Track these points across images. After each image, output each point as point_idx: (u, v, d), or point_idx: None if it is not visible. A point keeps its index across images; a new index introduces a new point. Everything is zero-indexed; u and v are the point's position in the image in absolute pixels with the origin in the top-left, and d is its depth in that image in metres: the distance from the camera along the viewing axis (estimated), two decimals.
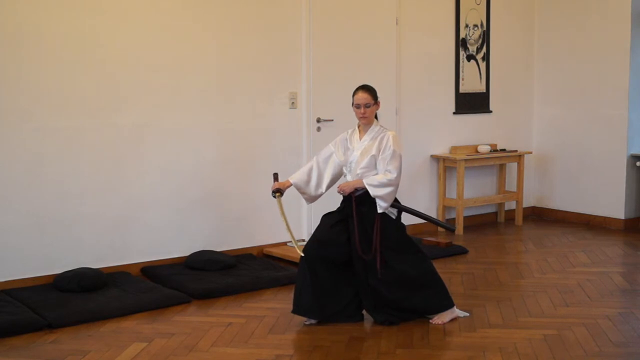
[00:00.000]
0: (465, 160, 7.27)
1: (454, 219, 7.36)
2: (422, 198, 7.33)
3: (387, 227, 4.51)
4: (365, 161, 4.50)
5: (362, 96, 4.52)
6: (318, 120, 6.50)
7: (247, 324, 4.54)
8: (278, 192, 4.62)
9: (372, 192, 4.41)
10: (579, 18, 7.76)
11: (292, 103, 6.42)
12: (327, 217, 4.64)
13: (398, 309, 4.50)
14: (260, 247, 6.33)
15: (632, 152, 7.45)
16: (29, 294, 4.97)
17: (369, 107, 4.51)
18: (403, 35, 7.06)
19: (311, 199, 4.72)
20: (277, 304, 4.96)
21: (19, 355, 4.04)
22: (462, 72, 7.56)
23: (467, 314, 4.68)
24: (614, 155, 7.52)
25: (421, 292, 4.53)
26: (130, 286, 5.19)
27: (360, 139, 4.59)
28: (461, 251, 6.46)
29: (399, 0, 6.99)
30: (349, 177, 4.59)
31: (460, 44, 7.52)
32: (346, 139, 4.66)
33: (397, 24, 7.00)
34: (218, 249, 6.03)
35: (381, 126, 4.60)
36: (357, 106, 4.54)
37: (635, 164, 7.46)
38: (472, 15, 7.59)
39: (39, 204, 5.28)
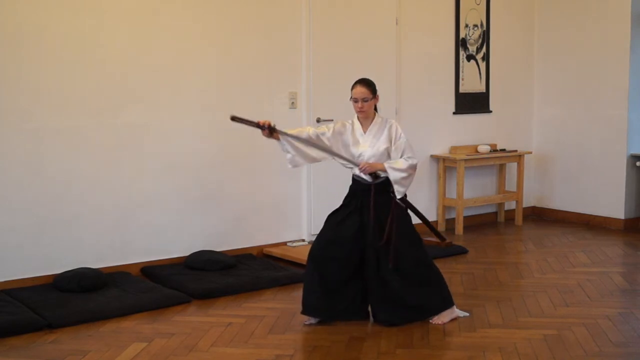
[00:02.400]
0: (465, 160, 7.28)
1: (453, 219, 7.36)
2: (422, 198, 7.32)
3: (402, 218, 4.51)
4: (378, 153, 4.47)
5: (360, 90, 4.50)
6: (318, 120, 6.50)
7: (247, 324, 4.54)
8: (269, 127, 4.30)
9: (393, 175, 4.40)
10: (579, 18, 7.76)
11: (292, 103, 6.42)
12: (332, 216, 4.62)
13: (402, 305, 4.49)
14: (260, 247, 6.33)
15: (632, 152, 7.45)
16: (28, 294, 4.97)
17: (366, 101, 4.49)
18: (403, 35, 7.06)
19: (295, 163, 4.48)
20: (277, 304, 4.96)
21: (19, 355, 4.04)
22: (462, 72, 7.56)
23: (467, 314, 4.68)
24: (614, 155, 7.52)
25: (426, 289, 4.53)
26: (130, 286, 5.19)
27: (365, 132, 4.55)
28: (461, 251, 6.46)
29: (399, 0, 6.99)
30: (355, 170, 4.56)
31: (460, 44, 7.52)
32: (345, 132, 4.55)
33: (397, 24, 7.00)
34: (218, 249, 6.03)
35: (382, 117, 4.60)
36: (355, 100, 4.51)
37: (635, 164, 7.46)
38: (472, 15, 7.59)
39: (39, 204, 5.28)
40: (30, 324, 4.41)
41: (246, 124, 4.37)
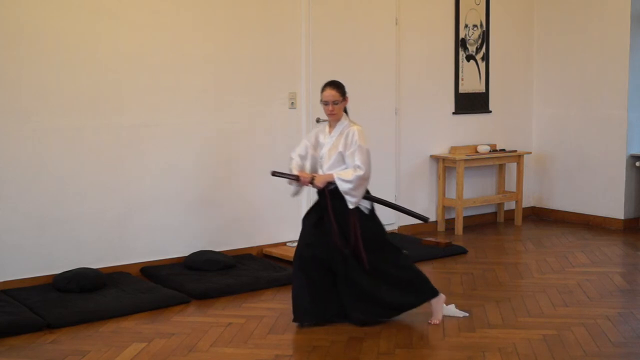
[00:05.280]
0: (465, 160, 7.28)
1: (453, 219, 7.36)
2: (421, 198, 7.34)
3: (362, 221, 4.49)
4: (332, 157, 4.50)
5: (330, 93, 4.51)
6: (317, 121, 6.50)
7: (246, 324, 4.54)
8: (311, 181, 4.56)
9: (341, 187, 4.41)
10: (579, 18, 7.76)
11: (292, 103, 6.42)
12: (307, 218, 4.65)
13: (377, 303, 4.47)
14: (260, 248, 6.33)
15: (631, 152, 7.46)
16: (28, 294, 4.97)
17: (337, 104, 4.51)
18: (402, 35, 7.06)
19: (297, 193, 4.74)
20: (277, 304, 4.96)
21: (19, 356, 4.04)
22: (462, 72, 7.56)
23: (467, 314, 4.68)
24: (614, 155, 7.52)
25: (400, 287, 4.51)
26: (130, 286, 5.19)
27: (330, 134, 4.59)
28: (461, 251, 6.46)
29: (398, 1, 6.99)
30: (320, 172, 4.60)
31: (460, 44, 7.52)
32: (318, 134, 4.66)
33: (396, 24, 7.00)
34: (217, 249, 6.03)
35: (350, 121, 4.58)
36: (325, 103, 4.53)
37: (634, 164, 7.46)
38: (472, 15, 7.60)
39: (39, 204, 5.28)
40: (29, 324, 4.42)
41: (287, 177, 4.63)
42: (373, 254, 4.51)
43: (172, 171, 5.86)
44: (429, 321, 4.53)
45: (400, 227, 7.16)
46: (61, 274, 5.22)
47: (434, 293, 4.58)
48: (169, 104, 5.81)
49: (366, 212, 4.56)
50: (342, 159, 4.49)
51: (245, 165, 6.21)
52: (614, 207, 7.54)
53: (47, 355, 4.03)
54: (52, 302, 4.83)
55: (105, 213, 5.56)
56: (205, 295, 5.09)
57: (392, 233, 6.94)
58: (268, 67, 6.27)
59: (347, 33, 6.68)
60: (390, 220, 7.04)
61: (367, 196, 4.55)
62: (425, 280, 4.61)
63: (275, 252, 6.23)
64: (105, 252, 5.57)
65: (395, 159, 7.13)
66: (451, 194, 7.43)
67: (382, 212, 6.67)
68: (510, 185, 7.98)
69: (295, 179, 4.59)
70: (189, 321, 4.62)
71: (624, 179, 7.46)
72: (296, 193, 4.73)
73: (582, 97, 7.79)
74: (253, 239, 6.30)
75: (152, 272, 5.59)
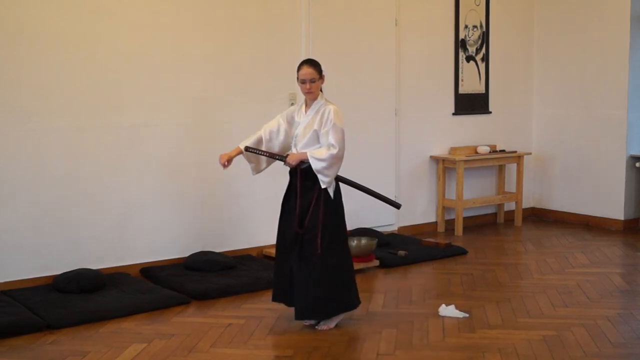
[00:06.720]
0: (465, 161, 7.27)
1: (453, 219, 7.36)
2: (421, 199, 7.34)
3: (327, 206, 4.45)
4: (307, 135, 4.48)
5: (307, 71, 4.47)
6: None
7: (246, 325, 4.54)
8: (228, 162, 4.64)
9: (314, 165, 4.38)
10: (579, 19, 7.76)
11: (292, 104, 6.41)
12: (285, 204, 4.62)
13: (300, 298, 4.43)
14: (260, 248, 6.33)
15: (631, 153, 7.46)
16: (28, 295, 4.97)
17: (314, 82, 4.47)
18: (402, 36, 7.06)
19: (257, 170, 4.73)
20: (276, 304, 4.94)
21: (19, 356, 4.04)
22: (462, 73, 7.56)
23: (466, 315, 4.69)
24: (613, 156, 7.52)
25: (334, 285, 4.45)
26: (130, 287, 5.19)
27: (306, 112, 4.57)
28: (460, 252, 6.46)
29: (398, 1, 6.99)
30: (294, 151, 4.57)
31: (460, 44, 7.52)
32: (294, 113, 4.64)
33: (396, 24, 7.00)
34: (217, 250, 6.03)
35: (325, 100, 4.56)
36: (302, 81, 4.49)
37: (634, 164, 7.46)
38: (472, 16, 7.60)
39: (39, 204, 5.28)
40: (29, 324, 4.42)
41: (262, 154, 4.66)
42: (328, 240, 4.43)
43: (172, 171, 5.86)
44: (317, 326, 4.46)
45: (400, 228, 7.17)
46: (61, 274, 5.22)
47: (341, 310, 4.50)
48: (169, 104, 5.81)
49: (331, 195, 4.48)
50: (316, 138, 4.47)
51: (246, 166, 6.19)
52: (614, 207, 7.54)
53: (47, 356, 4.03)
54: (52, 302, 4.83)
55: (105, 213, 5.56)
56: (205, 296, 5.09)
57: (392, 234, 6.95)
58: (268, 67, 6.27)
59: (347, 33, 6.68)
60: (390, 221, 7.06)
61: (338, 177, 4.53)
62: (355, 288, 4.55)
63: None
64: (105, 253, 5.57)
65: (395, 159, 7.13)
66: (451, 194, 7.43)
67: (381, 212, 6.71)
68: (510, 185, 7.98)
69: (279, 157, 4.58)
70: (189, 322, 4.62)
71: (624, 179, 7.46)
72: (257, 171, 4.76)
73: (582, 97, 7.79)
74: (253, 239, 6.30)
75: (152, 272, 5.58)
